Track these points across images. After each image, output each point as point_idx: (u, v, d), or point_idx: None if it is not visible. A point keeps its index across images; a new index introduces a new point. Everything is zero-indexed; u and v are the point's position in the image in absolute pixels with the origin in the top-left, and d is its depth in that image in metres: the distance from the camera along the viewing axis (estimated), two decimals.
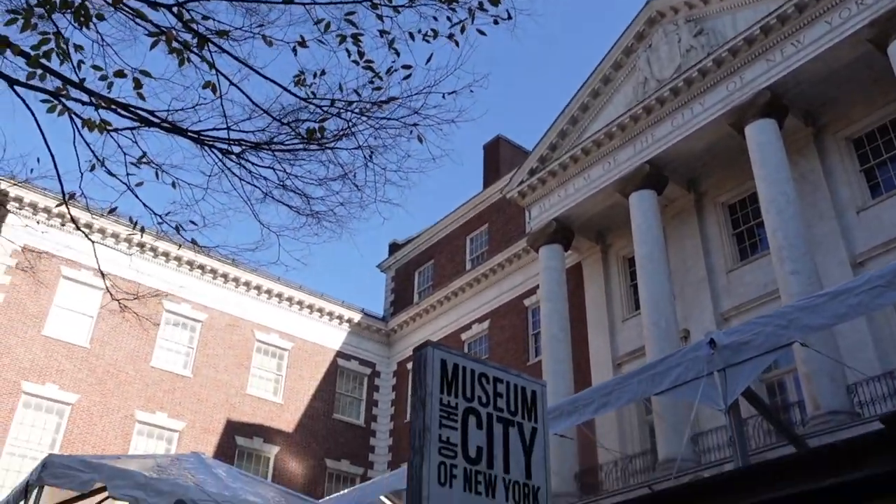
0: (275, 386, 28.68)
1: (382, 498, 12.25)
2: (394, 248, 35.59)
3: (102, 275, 8.13)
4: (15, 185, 23.49)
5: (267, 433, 27.33)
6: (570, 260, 24.66)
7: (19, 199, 24.84)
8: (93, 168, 6.31)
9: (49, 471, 6.68)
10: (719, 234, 21.02)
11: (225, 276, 28.50)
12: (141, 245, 26.89)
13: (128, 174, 6.38)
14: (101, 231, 26.29)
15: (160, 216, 6.90)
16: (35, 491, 6.73)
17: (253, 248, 8.07)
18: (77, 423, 23.67)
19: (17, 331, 23.72)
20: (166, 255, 27.19)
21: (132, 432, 24.50)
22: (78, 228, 7.32)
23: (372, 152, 7.14)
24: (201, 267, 27.97)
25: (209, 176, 6.92)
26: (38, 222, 24.46)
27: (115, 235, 26.61)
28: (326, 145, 7.35)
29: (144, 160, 6.41)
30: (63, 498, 8.15)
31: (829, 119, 19.14)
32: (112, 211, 6.59)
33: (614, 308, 23.21)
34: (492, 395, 6.51)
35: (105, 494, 7.73)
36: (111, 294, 8.23)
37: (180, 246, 6.96)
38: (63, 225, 25.39)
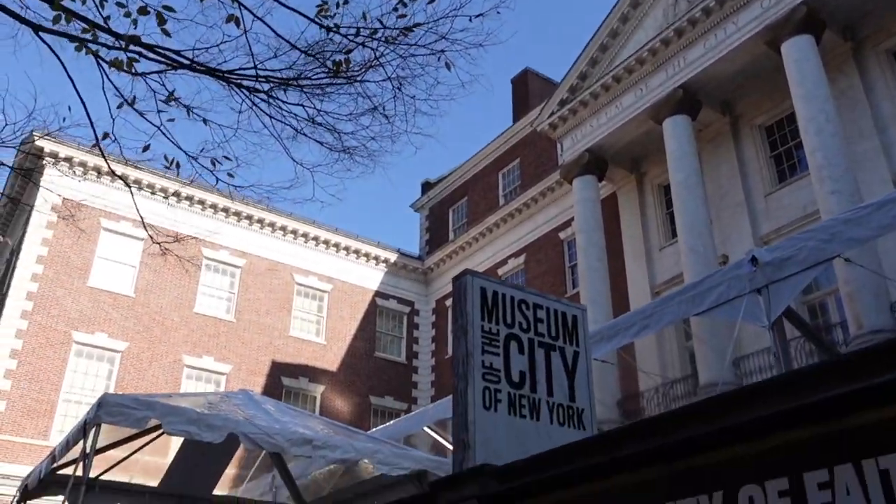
0: (316, 327, 29.16)
1: (426, 429, 12.50)
2: (426, 187, 35.54)
3: (142, 220, 8.25)
4: (50, 139, 23.79)
5: (312, 373, 27.90)
6: (605, 190, 24.43)
7: (55, 155, 25.13)
8: (121, 106, 6.33)
9: (105, 409, 6.91)
10: (756, 156, 20.61)
11: (261, 221, 28.78)
12: (176, 194, 27.17)
13: (158, 111, 6.40)
14: (137, 182, 26.57)
15: (193, 156, 6.94)
16: (93, 429, 6.96)
17: (287, 186, 8.08)
18: (128, 369, 24.35)
19: (63, 283, 24.30)
20: (202, 202, 27.47)
21: (181, 377, 25.16)
22: (113, 173, 7.38)
23: (401, 83, 7.07)
24: (237, 214, 28.25)
25: (239, 113, 6.92)
26: (75, 175, 24.81)
27: (151, 186, 26.93)
28: (354, 78, 7.30)
29: (174, 97, 6.41)
30: (119, 437, 8.43)
31: (869, 32, 18.48)
32: (146, 149, 6.63)
33: (651, 237, 23.04)
34: (532, 321, 6.57)
35: (159, 432, 7.97)
36: (152, 238, 8.37)
37: (217, 182, 6.97)
38: (99, 177, 25.79)
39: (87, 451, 6.93)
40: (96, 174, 25.67)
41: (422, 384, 30.36)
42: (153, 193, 27.00)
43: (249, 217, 28.46)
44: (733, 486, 2.69)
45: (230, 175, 6.96)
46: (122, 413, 6.96)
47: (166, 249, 8.34)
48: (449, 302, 31.10)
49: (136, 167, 20.80)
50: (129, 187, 7.65)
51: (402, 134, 10.42)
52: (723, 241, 20.18)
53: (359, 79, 7.32)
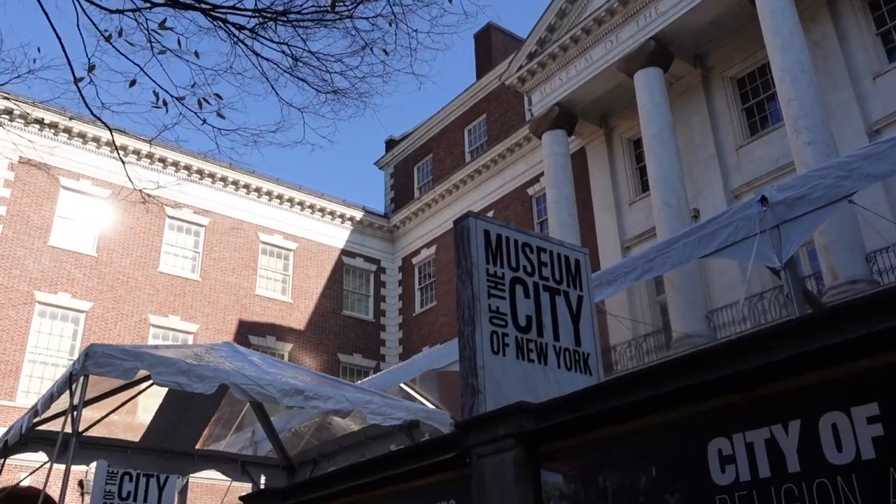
0: (283, 286, 28.82)
1: (402, 385, 12.37)
2: (390, 144, 35.10)
3: (123, 161, 7.87)
4: (3, 93, 22.84)
5: (279, 331, 27.61)
6: (574, 145, 24.32)
7: (9, 111, 24.19)
8: (109, 38, 5.95)
9: (92, 360, 6.64)
10: (728, 109, 20.63)
11: (224, 179, 28.19)
12: (136, 152, 26.46)
13: (150, 42, 6.04)
14: (96, 140, 25.81)
15: (178, 97, 6.59)
16: (80, 380, 6.69)
17: (274, 129, 7.77)
18: (93, 329, 23.84)
19: (23, 242, 23.59)
20: (163, 160, 26.74)
21: (148, 336, 24.71)
22: (92, 114, 6.99)
23: (395, 16, 6.78)
24: (199, 171, 27.63)
25: (226, 54, 6.59)
26: (30, 131, 23.95)
27: (109, 144, 26.14)
28: (344, 14, 6.99)
29: (166, 26, 6.03)
30: (105, 389, 8.15)
31: None
32: (132, 84, 6.27)
33: (620, 191, 23.05)
34: (536, 265, 6.43)
35: (146, 384, 7.73)
36: (133, 183, 7.98)
37: (203, 122, 6.62)
38: (56, 134, 24.94)
39: (76, 403, 6.66)
40: (52, 132, 24.82)
41: (389, 342, 30.28)
42: (112, 151, 26.22)
43: (212, 175, 27.84)
44: (812, 414, 2.55)
45: (220, 116, 6.64)
46: (111, 364, 6.70)
47: (148, 196, 7.97)
48: (416, 259, 30.96)
49: (95, 124, 20.03)
50: (111, 130, 7.26)
51: (395, 73, 10.10)
52: (694, 195, 20.26)
53: (348, 14, 7.01)
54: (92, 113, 6.55)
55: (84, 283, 24.27)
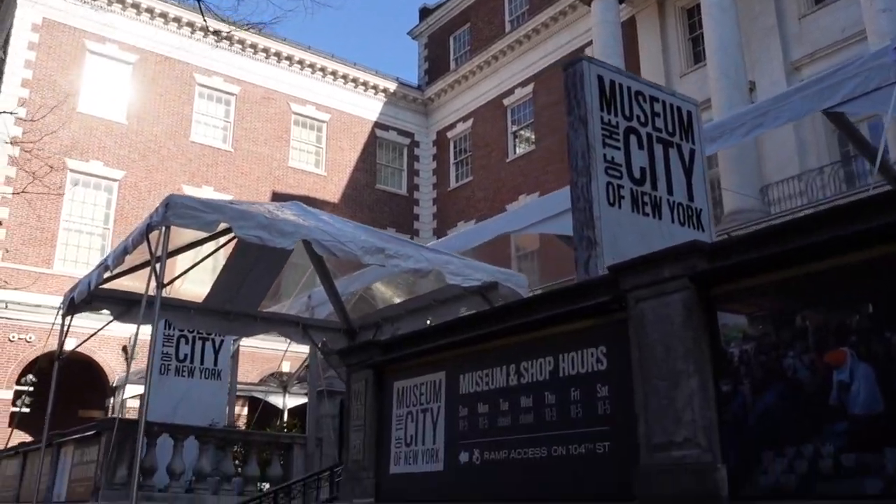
0: (316, 158, 28.39)
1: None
2: (425, 13, 33.73)
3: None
4: None
5: (313, 204, 26.71)
6: (623, 14, 23.18)
7: None
8: None
9: (173, 211, 6.32)
10: None
11: (254, 46, 27.31)
12: (163, 15, 25.56)
13: None
14: (121, 1, 24.90)
15: None
16: (162, 231, 6.41)
17: None
18: (127, 198, 23.68)
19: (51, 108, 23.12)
20: (191, 25, 25.72)
21: None
22: None
23: None
24: (228, 38, 26.66)
25: None
26: None
27: (136, 6, 25.23)
28: None
29: None
30: (178, 244, 7.87)
31: None
32: None
33: (671, 63, 22.09)
34: (649, 115, 5.99)
35: (227, 238, 7.47)
36: (207, 25, 7.43)
37: None
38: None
39: (159, 253, 6.40)
40: None
41: (423, 216, 30.05)
42: (138, 14, 25.33)
43: (242, 42, 26.90)
44: None
45: None
46: (192, 215, 6.39)
47: (222, 34, 7.44)
48: (451, 133, 30.30)
49: None
50: None
51: None
52: (751, 66, 19.33)
53: None
54: None
55: (115, 152, 23.93)
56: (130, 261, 7.48)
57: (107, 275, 7.77)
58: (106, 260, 7.63)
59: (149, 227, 6.62)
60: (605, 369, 3.74)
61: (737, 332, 3.25)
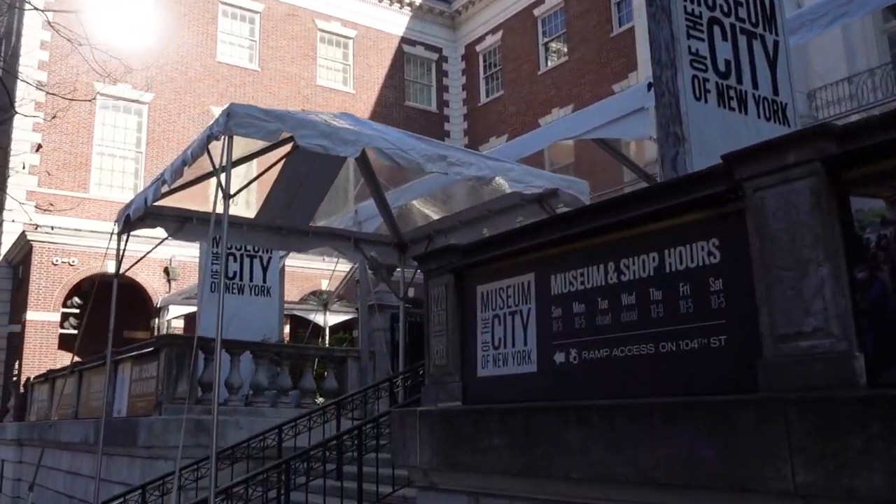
0: (343, 76, 27.96)
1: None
2: None
3: None
4: None
5: None
6: None
7: None
8: None
9: (234, 120, 6.17)
10: None
11: None
12: None
13: None
14: None
15: None
16: (225, 140, 6.28)
17: None
18: (157, 121, 23.54)
19: (76, 31, 22.74)
20: None
21: None
22: None
23: None
24: None
25: None
26: None
27: None
28: None
29: None
30: (241, 154, 7.71)
31: None
32: None
33: None
34: (732, 4, 5.67)
35: (285, 150, 7.33)
36: None
37: None
38: None
39: (224, 163, 6.28)
40: None
41: (454, 133, 29.65)
42: None
43: None
44: None
45: None
46: (254, 125, 6.24)
47: None
48: (480, 47, 29.59)
49: None
50: None
51: None
52: None
53: None
54: None
55: (143, 74, 23.67)
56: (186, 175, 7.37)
57: (164, 189, 7.69)
58: (163, 175, 7.52)
59: (209, 138, 6.49)
60: (717, 262, 3.61)
61: (873, 216, 3.10)
